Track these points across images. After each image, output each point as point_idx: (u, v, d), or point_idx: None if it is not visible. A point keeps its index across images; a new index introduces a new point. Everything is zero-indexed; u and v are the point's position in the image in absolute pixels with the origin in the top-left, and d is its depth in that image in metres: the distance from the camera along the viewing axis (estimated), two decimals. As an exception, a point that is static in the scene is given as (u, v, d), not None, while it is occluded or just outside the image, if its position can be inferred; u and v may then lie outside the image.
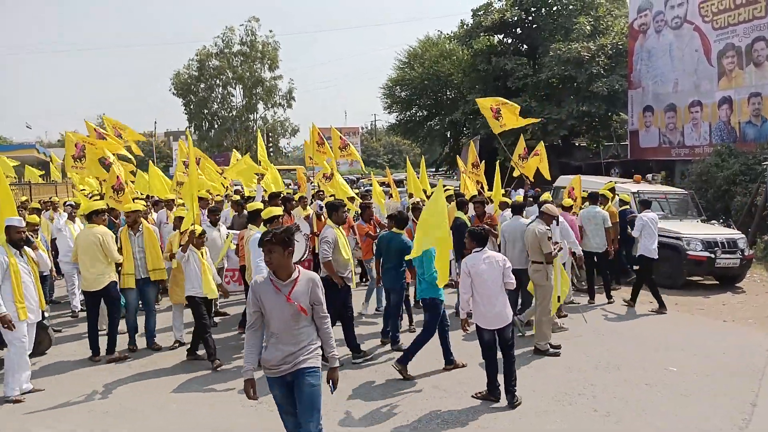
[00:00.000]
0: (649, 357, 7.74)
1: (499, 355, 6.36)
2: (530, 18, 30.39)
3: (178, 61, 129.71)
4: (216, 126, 56.80)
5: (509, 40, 32.18)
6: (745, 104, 19.32)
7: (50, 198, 15.61)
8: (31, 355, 7.12)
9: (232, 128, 56.75)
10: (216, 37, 57.36)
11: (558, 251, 8.20)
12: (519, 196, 13.43)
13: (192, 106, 56.28)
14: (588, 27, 27.82)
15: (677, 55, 22.00)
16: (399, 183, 25.16)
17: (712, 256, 11.56)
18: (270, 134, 53.48)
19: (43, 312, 7.57)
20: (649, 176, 14.36)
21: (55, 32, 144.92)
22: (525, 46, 31.52)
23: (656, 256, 10.15)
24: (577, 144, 31.06)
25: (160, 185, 13.52)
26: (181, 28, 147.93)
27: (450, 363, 7.43)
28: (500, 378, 6.34)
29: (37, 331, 7.40)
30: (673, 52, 22.19)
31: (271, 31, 71.66)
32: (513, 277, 6.37)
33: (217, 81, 56.54)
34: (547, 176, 13.41)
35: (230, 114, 57.44)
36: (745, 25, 19.17)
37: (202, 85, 56.45)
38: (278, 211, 8.14)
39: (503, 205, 11.13)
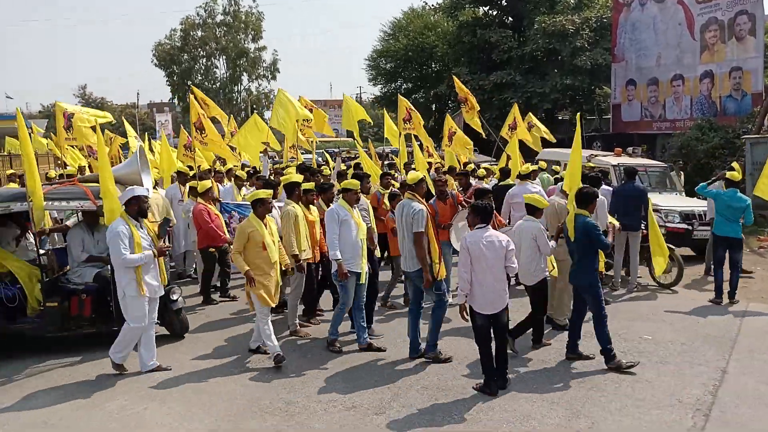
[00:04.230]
0: (625, 326, 7.95)
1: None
2: (516, -10, 30.26)
3: (160, 31, 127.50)
4: (199, 98, 56.20)
5: (494, 12, 32.02)
6: (727, 78, 19.50)
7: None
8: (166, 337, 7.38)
9: (216, 100, 56.12)
10: (198, 7, 56.62)
11: None
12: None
13: (175, 78, 55.64)
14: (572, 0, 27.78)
15: (661, 28, 22.07)
16: (384, 157, 24.89)
17: (690, 227, 11.74)
18: (255, 106, 53.00)
19: (170, 291, 7.14)
20: (630, 149, 14.47)
21: (32, 3, 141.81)
22: (510, 19, 31.39)
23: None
24: (560, 118, 31.15)
25: (168, 157, 13.01)
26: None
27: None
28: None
29: (169, 314, 7.22)
30: (656, 25, 22.25)
31: (254, 1, 70.77)
32: (515, 261, 5.93)
33: (201, 52, 55.86)
34: (538, 148, 13.26)
35: (214, 86, 56.85)
36: (728, -1, 19.28)
37: (185, 56, 55.75)
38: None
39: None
